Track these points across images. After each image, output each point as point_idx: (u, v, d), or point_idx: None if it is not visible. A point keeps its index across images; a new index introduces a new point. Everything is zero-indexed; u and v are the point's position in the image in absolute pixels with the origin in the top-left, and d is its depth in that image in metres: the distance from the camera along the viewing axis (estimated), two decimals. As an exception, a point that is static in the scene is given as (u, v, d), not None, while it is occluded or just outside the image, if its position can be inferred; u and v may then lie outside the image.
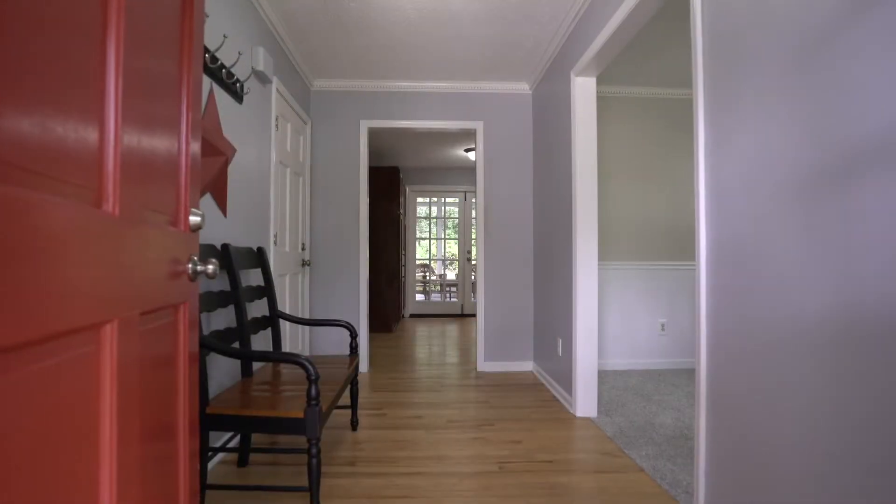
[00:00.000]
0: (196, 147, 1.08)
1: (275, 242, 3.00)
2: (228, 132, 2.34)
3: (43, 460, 0.57)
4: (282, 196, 3.22)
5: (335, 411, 2.85)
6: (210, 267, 1.08)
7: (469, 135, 5.28)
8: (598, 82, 3.80)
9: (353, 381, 2.60)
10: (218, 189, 2.23)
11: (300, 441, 2.38)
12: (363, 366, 3.97)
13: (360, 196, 4.01)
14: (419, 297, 8.23)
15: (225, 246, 2.15)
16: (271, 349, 2.65)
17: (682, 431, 2.54)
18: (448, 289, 8.29)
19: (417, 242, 8.14)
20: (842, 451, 1.10)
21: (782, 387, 1.30)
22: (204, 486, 1.72)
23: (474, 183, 6.45)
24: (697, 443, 1.67)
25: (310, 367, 1.67)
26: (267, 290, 2.54)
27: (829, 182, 1.14)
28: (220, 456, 2.22)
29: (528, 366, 4.05)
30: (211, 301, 1.95)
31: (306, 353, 3.80)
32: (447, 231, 8.58)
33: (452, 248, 8.64)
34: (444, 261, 8.73)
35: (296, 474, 2.06)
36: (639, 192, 4.09)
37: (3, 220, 0.50)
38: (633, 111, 4.11)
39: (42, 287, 0.56)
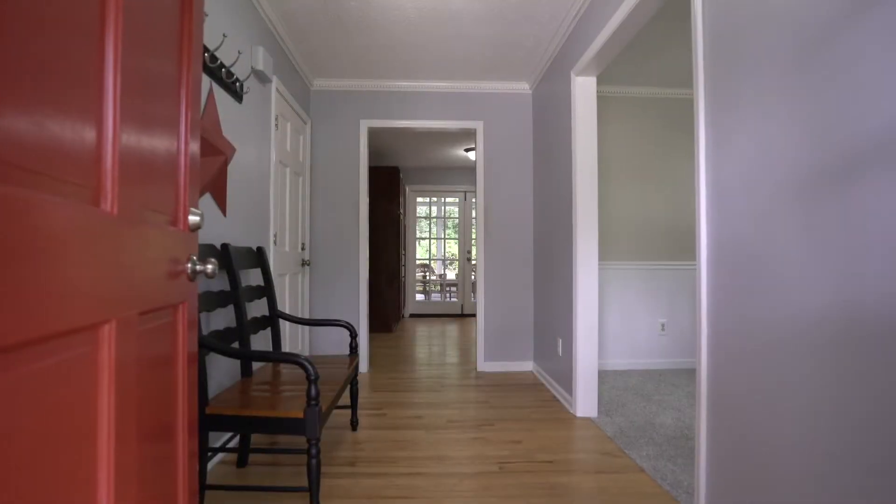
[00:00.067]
0: (195, 146, 1.08)
1: (274, 242, 3.00)
2: (228, 132, 2.34)
3: (40, 460, 0.57)
4: (281, 196, 3.22)
5: (335, 411, 2.85)
6: (209, 266, 1.08)
7: (469, 134, 5.28)
8: (598, 82, 3.80)
9: (352, 381, 2.60)
10: (217, 189, 2.23)
11: (300, 441, 2.38)
12: (363, 366, 3.97)
13: (360, 196, 4.00)
14: (419, 296, 8.23)
15: (224, 245, 2.15)
16: (271, 349, 2.65)
17: (682, 431, 2.54)
18: (448, 289, 8.29)
19: (417, 242, 8.14)
20: (842, 451, 1.10)
21: (782, 387, 1.29)
22: (203, 487, 1.72)
23: (474, 183, 6.44)
24: (698, 443, 1.67)
25: (309, 367, 1.66)
26: (267, 290, 2.54)
27: (830, 182, 1.14)
28: (219, 456, 2.22)
29: (528, 366, 4.05)
30: (210, 301, 1.94)
31: (306, 353, 3.80)
32: (447, 231, 8.58)
33: (452, 248, 8.64)
34: (444, 261, 8.73)
35: (295, 474, 2.06)
36: (638, 191, 4.09)
37: (1, 218, 0.50)
38: (632, 111, 4.11)
39: (39, 286, 0.55)
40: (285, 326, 3.21)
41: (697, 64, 1.67)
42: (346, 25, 3.08)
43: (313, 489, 1.67)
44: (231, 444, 2.36)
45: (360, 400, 3.17)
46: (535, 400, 3.18)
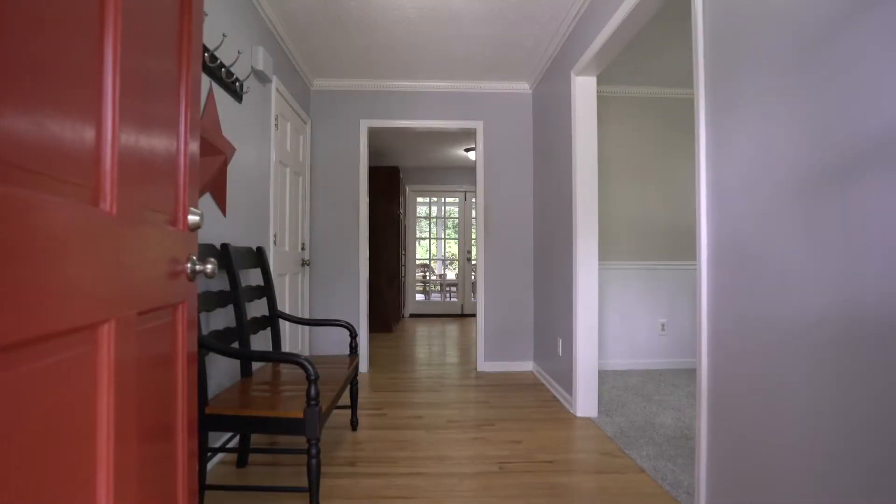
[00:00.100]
0: (195, 146, 1.08)
1: (274, 242, 2.99)
2: (228, 131, 2.34)
3: (39, 460, 0.57)
4: (281, 196, 3.22)
5: (335, 411, 2.84)
6: (209, 266, 1.08)
7: (469, 134, 5.28)
8: (598, 82, 3.80)
9: (352, 381, 2.60)
10: (217, 188, 2.23)
11: (300, 441, 2.38)
12: (363, 366, 3.97)
13: (360, 196, 4.00)
14: (419, 296, 8.22)
15: (224, 245, 2.15)
16: (271, 349, 2.64)
17: (682, 431, 2.54)
18: (448, 289, 8.29)
19: (417, 242, 8.14)
20: (842, 451, 1.10)
21: (783, 386, 1.29)
22: (203, 487, 1.72)
23: (474, 183, 6.44)
24: (698, 443, 1.67)
25: (309, 367, 1.66)
26: (266, 290, 2.54)
27: (830, 182, 1.14)
28: (219, 456, 2.22)
29: (528, 366, 4.05)
30: (210, 301, 1.94)
31: (306, 353, 3.80)
32: (447, 231, 8.58)
33: (452, 248, 8.64)
34: (444, 261, 8.73)
35: (295, 475, 2.06)
36: (639, 191, 4.09)
37: (0, 218, 0.50)
38: (632, 111, 4.11)
39: (37, 286, 0.55)
40: (285, 326, 3.21)
41: (698, 64, 1.67)
42: (346, 25, 3.08)
43: (313, 489, 1.67)
44: (231, 444, 2.36)
45: (360, 400, 3.17)
46: (535, 400, 3.18)
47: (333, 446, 2.37)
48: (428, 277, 8.38)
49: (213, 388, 2.15)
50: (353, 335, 2.63)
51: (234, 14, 2.43)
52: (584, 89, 2.90)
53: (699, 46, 1.67)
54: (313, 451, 1.67)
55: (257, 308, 2.61)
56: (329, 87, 4.00)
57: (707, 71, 1.65)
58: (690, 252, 3.98)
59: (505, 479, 2.01)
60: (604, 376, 3.77)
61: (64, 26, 0.63)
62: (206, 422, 1.69)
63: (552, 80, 3.43)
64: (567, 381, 3.02)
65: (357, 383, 2.64)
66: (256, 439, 2.48)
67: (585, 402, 2.83)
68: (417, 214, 8.05)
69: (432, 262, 8.49)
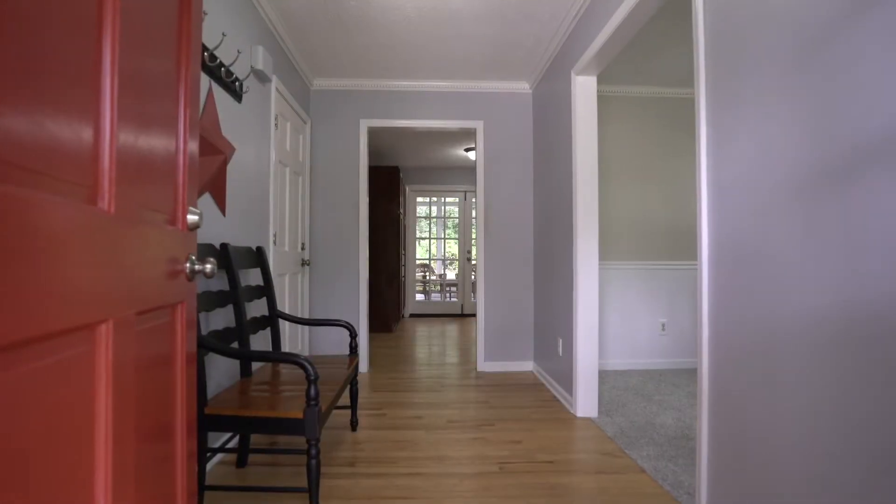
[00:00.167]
0: (194, 146, 1.08)
1: (274, 242, 2.99)
2: (227, 131, 2.34)
3: (36, 460, 0.57)
4: (281, 195, 3.22)
5: (335, 411, 2.84)
6: (208, 266, 1.08)
7: (469, 134, 5.28)
8: (598, 82, 3.80)
9: (352, 382, 2.59)
10: (217, 188, 2.23)
11: (299, 441, 2.38)
12: (363, 366, 3.97)
13: (360, 196, 4.00)
14: (419, 296, 8.22)
15: (224, 245, 2.14)
16: (270, 349, 2.64)
17: (683, 432, 2.54)
18: (448, 289, 8.28)
19: (417, 242, 8.14)
20: (842, 451, 1.10)
21: (783, 386, 1.29)
22: (202, 487, 1.72)
23: (474, 183, 6.44)
24: (699, 443, 1.67)
25: (309, 367, 1.66)
26: (266, 290, 2.54)
27: (830, 182, 1.14)
28: (218, 456, 2.22)
29: (528, 366, 4.05)
30: (209, 301, 1.94)
31: (306, 353, 3.80)
32: (447, 231, 8.58)
33: (452, 248, 8.63)
34: (444, 261, 8.72)
35: (295, 475, 2.06)
36: (639, 191, 4.09)
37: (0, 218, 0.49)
38: (633, 111, 4.11)
39: (36, 285, 0.55)
40: (285, 326, 3.21)
41: (698, 63, 1.67)
42: (345, 25, 3.07)
43: (313, 489, 1.67)
44: (230, 445, 2.35)
45: (359, 400, 3.17)
46: (535, 400, 3.17)
47: (333, 446, 2.37)
48: (428, 277, 8.38)
49: (212, 389, 2.14)
50: (353, 335, 2.63)
51: (234, 13, 2.43)
52: (584, 89, 2.90)
53: (700, 46, 1.67)
54: (313, 451, 1.66)
55: (257, 308, 2.61)
56: (329, 87, 4.00)
57: (707, 70, 1.64)
58: (691, 252, 3.98)
59: (505, 480, 2.01)
60: (604, 376, 3.76)
61: (62, 26, 0.63)
62: (206, 422, 1.69)
63: (552, 79, 3.43)
64: (567, 381, 3.02)
65: (357, 383, 2.63)
66: (256, 439, 2.48)
67: (586, 403, 2.83)
68: (417, 214, 8.04)
69: (432, 262, 8.49)
